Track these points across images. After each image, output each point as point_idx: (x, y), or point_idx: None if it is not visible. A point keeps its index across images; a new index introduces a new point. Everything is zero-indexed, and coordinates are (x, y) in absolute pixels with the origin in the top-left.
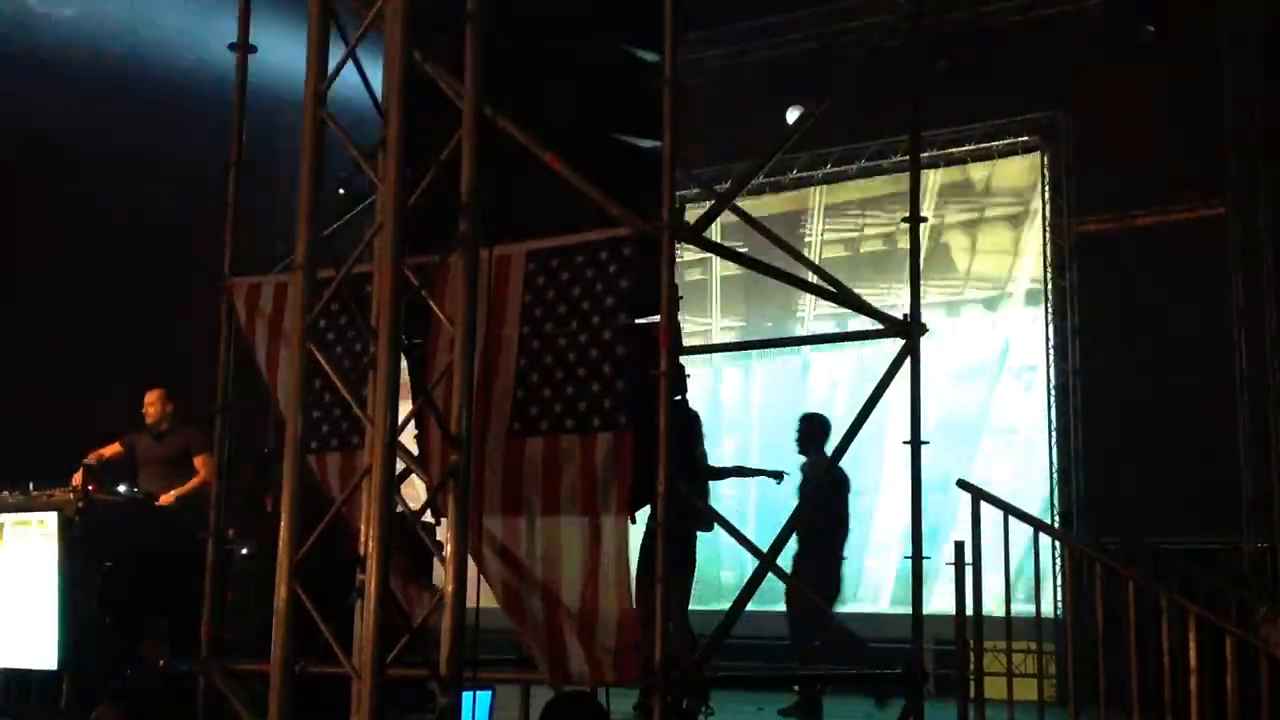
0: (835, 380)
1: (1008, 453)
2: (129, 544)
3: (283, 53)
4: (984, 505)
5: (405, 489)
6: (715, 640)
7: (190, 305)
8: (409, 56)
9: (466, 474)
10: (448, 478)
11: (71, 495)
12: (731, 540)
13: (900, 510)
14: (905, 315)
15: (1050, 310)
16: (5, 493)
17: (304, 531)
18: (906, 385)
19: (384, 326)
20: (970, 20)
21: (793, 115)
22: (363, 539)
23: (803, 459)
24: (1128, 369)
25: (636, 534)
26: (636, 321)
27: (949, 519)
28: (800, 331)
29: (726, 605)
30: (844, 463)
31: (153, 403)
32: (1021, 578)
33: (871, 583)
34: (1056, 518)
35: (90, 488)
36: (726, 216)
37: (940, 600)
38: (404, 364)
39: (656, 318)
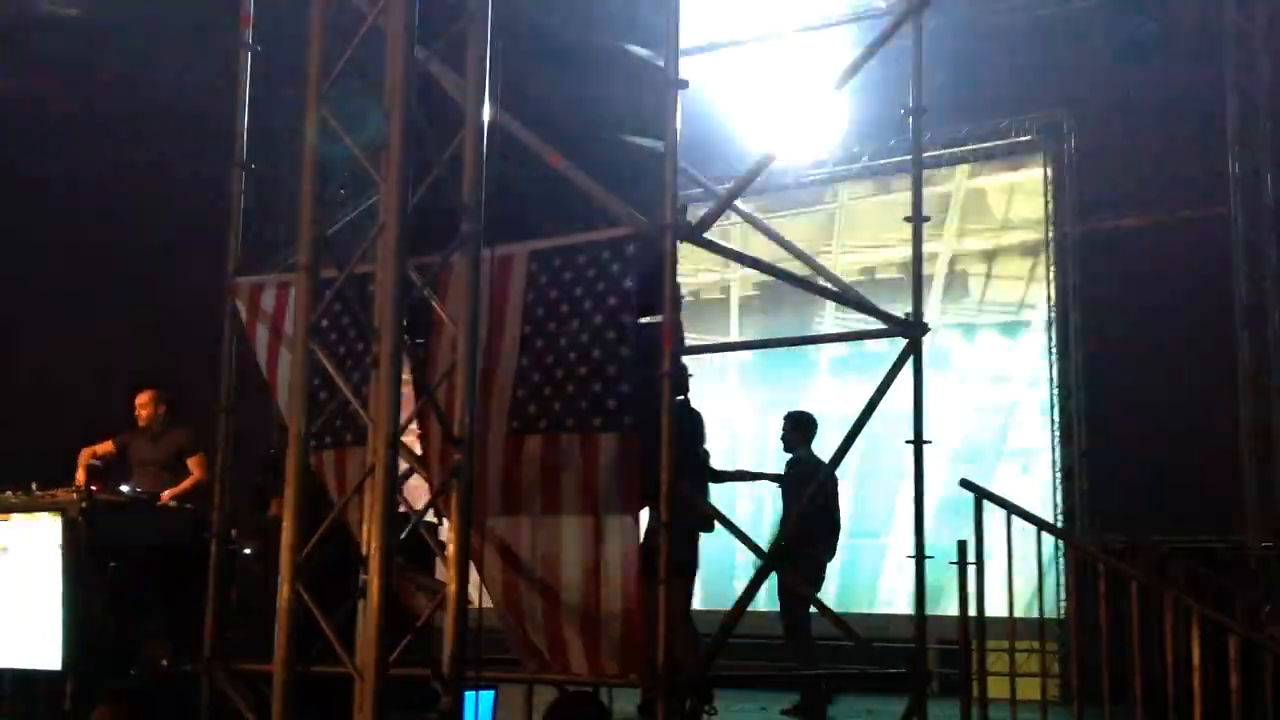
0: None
1: (1011, 454)
2: (133, 543)
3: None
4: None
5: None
6: (718, 640)
7: (191, 305)
8: (410, 56)
9: (469, 474)
10: (450, 478)
11: (75, 495)
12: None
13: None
14: (907, 314)
15: (1053, 309)
16: (9, 493)
17: (308, 531)
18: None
19: (386, 326)
20: (973, 18)
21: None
22: (365, 539)
23: (788, 456)
24: (1131, 367)
25: None
26: (640, 321)
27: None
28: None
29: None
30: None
31: (145, 404)
32: (1025, 577)
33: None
34: (1060, 517)
35: (94, 487)
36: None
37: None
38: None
39: (659, 318)
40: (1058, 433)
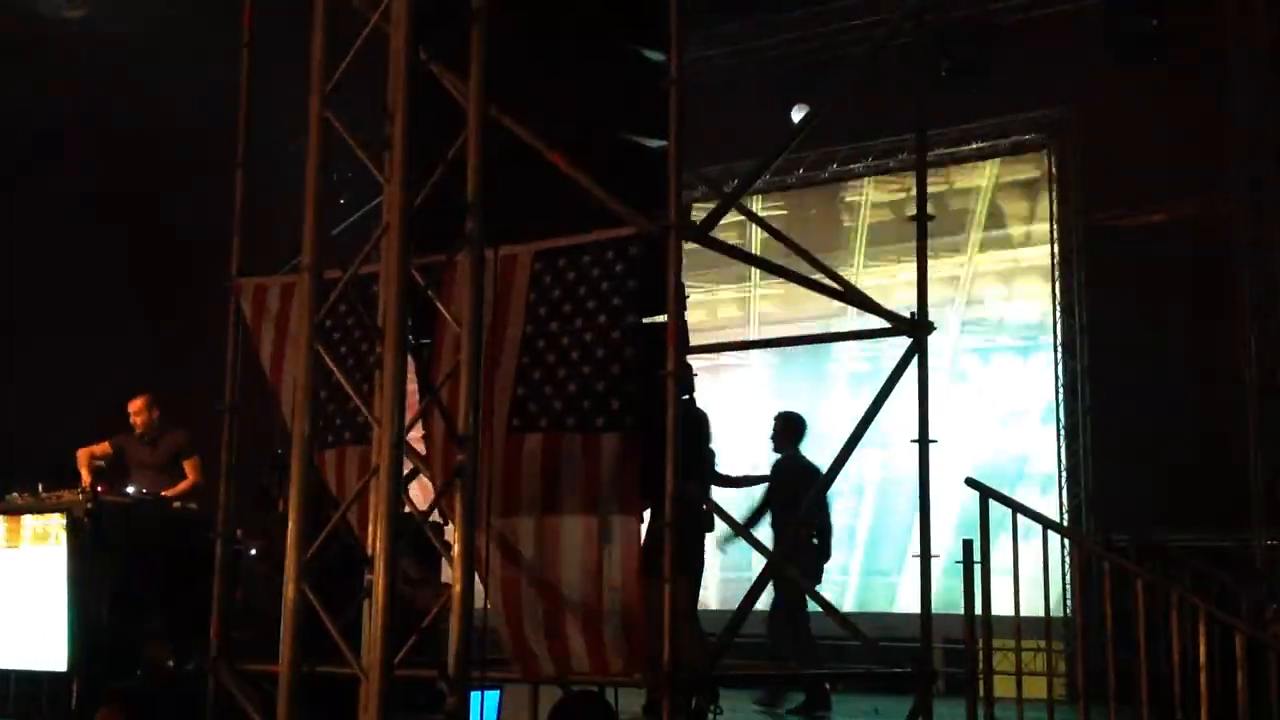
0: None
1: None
2: (138, 545)
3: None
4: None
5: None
6: (724, 639)
7: (193, 305)
8: (413, 56)
9: (473, 474)
10: (454, 478)
11: (80, 496)
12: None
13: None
14: (912, 313)
15: (1058, 307)
16: (15, 494)
17: (313, 531)
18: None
19: (390, 327)
20: (974, 18)
21: (798, 114)
22: (370, 538)
23: (776, 455)
24: (1136, 365)
25: None
26: (644, 321)
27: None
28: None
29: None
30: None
31: (139, 411)
32: (1030, 576)
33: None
34: (1064, 515)
35: (99, 488)
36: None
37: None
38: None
39: (663, 317)
40: (1063, 431)
